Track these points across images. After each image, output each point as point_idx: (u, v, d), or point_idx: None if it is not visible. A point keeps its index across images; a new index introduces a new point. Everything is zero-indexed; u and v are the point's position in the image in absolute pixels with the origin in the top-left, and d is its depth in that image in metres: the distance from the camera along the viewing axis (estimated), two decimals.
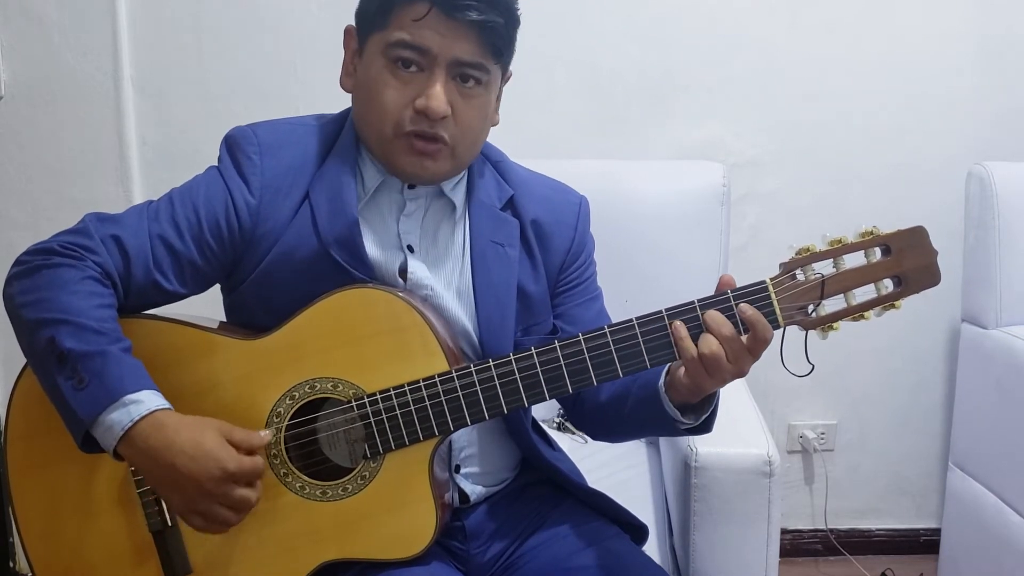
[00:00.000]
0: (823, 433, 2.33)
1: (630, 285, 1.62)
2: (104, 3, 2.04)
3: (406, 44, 1.06)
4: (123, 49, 2.07)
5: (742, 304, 1.03)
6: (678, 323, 1.03)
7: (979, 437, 2.02)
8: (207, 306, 1.20)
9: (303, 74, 2.10)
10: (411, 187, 1.16)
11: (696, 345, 1.02)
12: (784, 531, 2.34)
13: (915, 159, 2.19)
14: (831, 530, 2.37)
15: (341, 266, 1.11)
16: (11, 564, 2.17)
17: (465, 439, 1.19)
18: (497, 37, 1.08)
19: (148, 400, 1.00)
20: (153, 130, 2.12)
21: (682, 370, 1.05)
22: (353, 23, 1.15)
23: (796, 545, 2.38)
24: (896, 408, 2.33)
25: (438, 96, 1.07)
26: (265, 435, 1.06)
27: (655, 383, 1.11)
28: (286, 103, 2.09)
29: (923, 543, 2.37)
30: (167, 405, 1.02)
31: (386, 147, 1.11)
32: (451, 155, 1.12)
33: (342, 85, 1.16)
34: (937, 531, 2.25)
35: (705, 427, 1.14)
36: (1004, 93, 2.17)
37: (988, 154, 2.06)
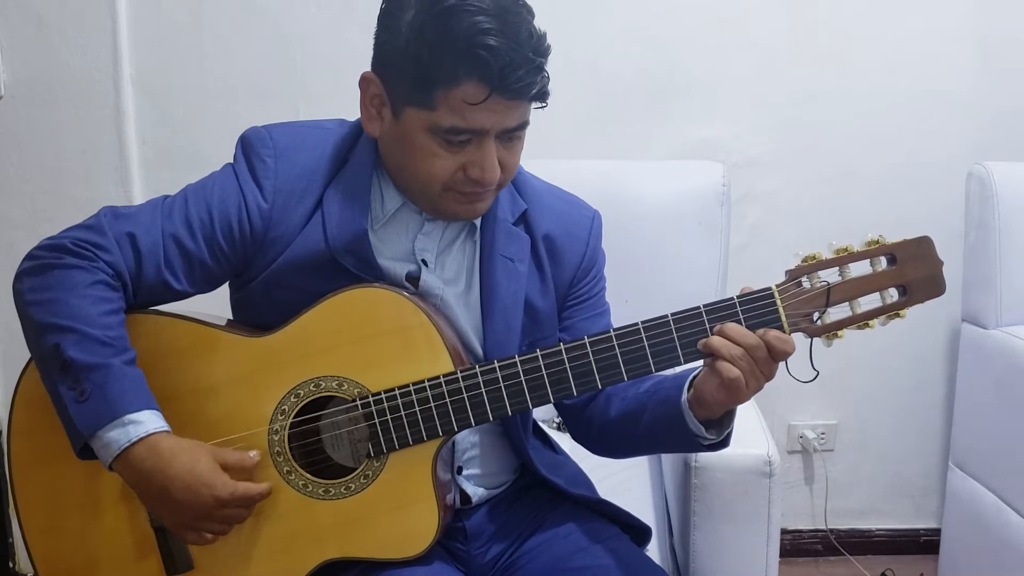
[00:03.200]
0: (823, 433, 2.33)
1: (630, 285, 1.61)
2: (104, 3, 2.04)
3: (459, 130, 1.03)
4: (123, 49, 2.07)
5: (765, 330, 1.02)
6: (716, 339, 1.02)
7: (979, 437, 2.02)
8: (215, 303, 1.20)
9: (303, 74, 2.09)
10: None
11: (731, 363, 1.01)
12: (784, 531, 2.35)
13: (915, 159, 2.19)
14: (831, 530, 2.37)
15: (351, 272, 1.10)
16: (11, 564, 2.17)
17: (468, 441, 1.20)
18: (544, 94, 1.05)
19: (148, 421, 1.01)
20: (153, 130, 2.12)
21: (712, 386, 1.03)
22: (370, 69, 1.09)
23: (796, 545, 2.38)
24: (896, 408, 2.33)
25: (493, 168, 1.05)
26: (255, 455, 1.06)
27: (676, 399, 1.10)
28: (286, 103, 2.09)
29: (923, 543, 2.37)
30: (165, 427, 1.02)
31: (433, 200, 1.10)
32: (496, 191, 1.12)
33: (366, 128, 1.12)
34: (937, 531, 2.25)
35: (725, 442, 1.13)
36: (1004, 93, 2.17)
37: (988, 154, 2.06)
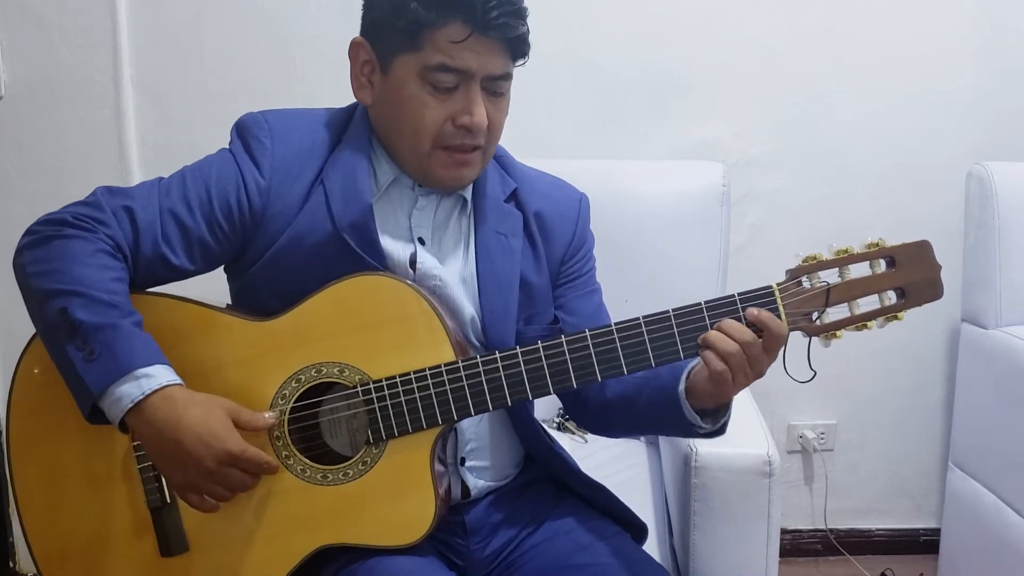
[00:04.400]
0: (823, 433, 2.33)
1: (630, 284, 1.62)
2: (104, 3, 2.04)
3: (446, 68, 1.08)
4: (123, 49, 2.07)
5: (750, 308, 1.04)
6: (714, 334, 1.04)
7: (979, 437, 2.02)
8: (216, 293, 1.20)
9: (303, 74, 2.10)
10: (422, 184, 1.17)
11: (722, 359, 1.03)
12: (784, 531, 2.34)
13: (915, 159, 2.19)
14: (831, 530, 2.37)
15: (353, 251, 1.11)
16: (11, 564, 2.17)
17: (472, 432, 1.20)
18: (524, 44, 1.11)
19: (160, 375, 1.01)
20: (153, 130, 2.12)
21: (703, 378, 1.06)
22: (358, 33, 1.15)
23: (796, 545, 2.38)
24: (896, 408, 2.33)
25: (481, 113, 1.10)
26: (270, 416, 1.07)
27: (673, 388, 1.12)
28: (286, 103, 2.05)
29: (923, 543, 2.37)
30: (178, 380, 1.03)
31: (422, 161, 1.13)
32: (483, 157, 1.15)
33: (357, 98, 1.16)
34: (937, 531, 2.25)
35: (721, 431, 1.15)
36: (1004, 93, 2.18)
37: (988, 154, 2.06)
